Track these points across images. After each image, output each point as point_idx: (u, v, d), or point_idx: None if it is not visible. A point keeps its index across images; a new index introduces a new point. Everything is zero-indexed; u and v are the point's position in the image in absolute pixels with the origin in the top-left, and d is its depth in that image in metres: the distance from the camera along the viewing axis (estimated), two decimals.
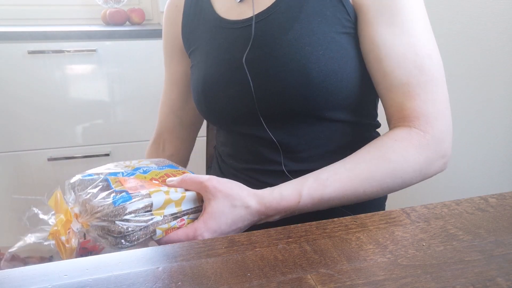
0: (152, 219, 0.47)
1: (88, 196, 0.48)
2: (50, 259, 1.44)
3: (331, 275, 0.37)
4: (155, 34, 1.46)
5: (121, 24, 1.70)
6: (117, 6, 1.72)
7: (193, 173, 0.57)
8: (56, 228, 0.47)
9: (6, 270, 0.39)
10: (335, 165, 0.55)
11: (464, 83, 1.21)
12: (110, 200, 0.46)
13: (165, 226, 0.49)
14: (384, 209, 0.72)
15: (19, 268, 0.39)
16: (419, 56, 0.55)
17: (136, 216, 0.46)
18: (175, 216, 0.50)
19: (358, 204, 0.56)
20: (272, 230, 0.45)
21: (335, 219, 0.47)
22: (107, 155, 1.52)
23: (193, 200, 0.52)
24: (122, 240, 0.45)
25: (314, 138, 0.62)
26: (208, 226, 0.49)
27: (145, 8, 1.83)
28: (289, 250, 0.41)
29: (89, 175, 0.54)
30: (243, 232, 0.46)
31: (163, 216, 0.49)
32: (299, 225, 0.46)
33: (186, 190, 0.52)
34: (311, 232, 0.44)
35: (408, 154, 0.54)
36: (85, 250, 1.54)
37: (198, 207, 0.52)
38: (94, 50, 1.41)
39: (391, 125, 0.60)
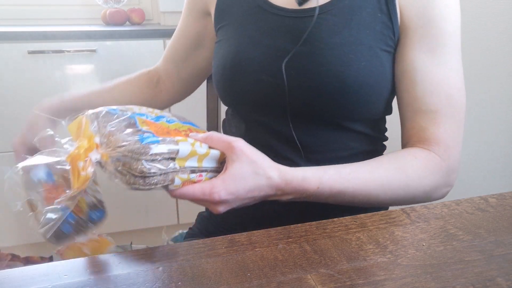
0: (174, 166, 0.45)
1: (113, 128, 0.46)
2: (50, 259, 1.43)
3: (331, 275, 0.37)
4: (155, 34, 1.46)
5: (121, 24, 1.70)
6: (117, 6, 1.72)
7: None
8: (77, 151, 0.44)
9: (6, 270, 0.39)
10: (356, 165, 0.56)
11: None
12: (136, 138, 0.44)
13: (185, 176, 0.47)
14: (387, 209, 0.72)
15: (19, 268, 0.39)
16: (451, 88, 0.58)
17: (159, 160, 0.44)
18: (193, 170, 0.48)
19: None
20: (272, 230, 0.45)
21: (335, 219, 0.47)
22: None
23: (215, 159, 0.50)
24: (141, 181, 0.43)
25: (330, 142, 0.62)
26: (226, 186, 0.48)
27: (145, 8, 1.83)
28: (289, 250, 0.41)
29: (114, 109, 0.51)
30: (244, 232, 0.46)
31: (184, 168, 0.47)
32: (299, 225, 0.46)
33: (210, 148, 0.50)
34: (311, 232, 0.44)
35: (424, 174, 0.56)
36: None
37: (218, 168, 0.51)
38: (94, 50, 1.41)
39: (409, 144, 0.61)
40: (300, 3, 0.60)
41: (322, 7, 0.59)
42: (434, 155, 0.58)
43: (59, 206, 0.44)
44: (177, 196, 0.48)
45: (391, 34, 0.59)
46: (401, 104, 0.62)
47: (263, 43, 0.61)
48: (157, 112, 0.57)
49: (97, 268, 0.39)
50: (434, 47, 0.58)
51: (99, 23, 1.74)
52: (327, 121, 0.61)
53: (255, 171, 0.49)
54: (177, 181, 0.46)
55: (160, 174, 0.44)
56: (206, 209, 0.77)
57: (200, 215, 0.78)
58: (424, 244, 0.42)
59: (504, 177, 1.24)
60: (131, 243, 1.68)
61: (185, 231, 0.79)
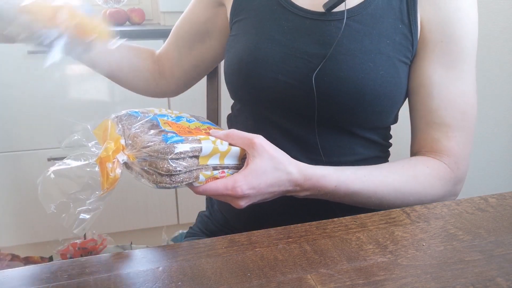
0: (198, 164, 0.47)
1: (137, 130, 0.48)
2: (50, 259, 1.43)
3: (331, 275, 0.37)
4: (155, 34, 1.46)
5: (121, 24, 1.70)
6: (117, 6, 1.72)
7: None
8: (105, 153, 0.46)
9: (6, 270, 0.39)
10: (371, 168, 0.57)
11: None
12: (160, 138, 0.46)
13: (208, 173, 0.49)
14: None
15: (19, 268, 0.39)
16: (466, 104, 0.59)
17: (184, 158, 0.46)
18: (216, 167, 0.50)
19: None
20: (272, 230, 0.45)
21: (335, 219, 0.47)
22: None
23: (236, 156, 0.52)
24: (167, 179, 0.45)
25: (338, 147, 0.62)
26: (248, 181, 0.49)
27: (145, 8, 1.82)
28: (289, 250, 0.41)
29: (136, 112, 0.54)
30: (244, 232, 0.46)
31: (207, 165, 0.49)
32: (299, 225, 0.46)
33: (230, 145, 0.51)
34: (311, 232, 0.44)
35: (434, 183, 0.58)
36: (85, 250, 1.53)
37: (239, 165, 0.52)
38: None
39: (420, 153, 0.62)
40: (328, 10, 0.59)
41: (346, 12, 0.59)
42: (445, 166, 0.59)
43: (90, 207, 0.47)
44: (200, 193, 0.49)
45: (410, 46, 0.59)
46: (415, 116, 0.63)
47: (282, 43, 0.60)
48: (176, 113, 0.58)
49: (97, 268, 0.39)
50: (453, 63, 0.59)
51: None
52: (339, 126, 0.61)
53: (275, 167, 0.50)
54: (201, 178, 0.48)
55: (185, 172, 0.46)
56: (207, 208, 0.77)
57: (200, 214, 0.78)
58: (424, 244, 0.42)
59: (504, 177, 1.24)
60: (131, 243, 1.68)
61: (185, 231, 0.79)
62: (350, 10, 0.59)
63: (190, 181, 0.47)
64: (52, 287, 0.37)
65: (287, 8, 0.62)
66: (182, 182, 0.46)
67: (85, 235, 1.44)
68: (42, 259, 1.46)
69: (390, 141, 0.70)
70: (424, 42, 0.59)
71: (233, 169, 0.52)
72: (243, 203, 0.50)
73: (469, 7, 0.58)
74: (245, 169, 0.50)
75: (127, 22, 1.73)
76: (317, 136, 0.61)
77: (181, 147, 0.45)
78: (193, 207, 1.64)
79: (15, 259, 1.43)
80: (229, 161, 0.51)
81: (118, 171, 0.46)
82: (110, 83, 1.51)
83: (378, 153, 0.66)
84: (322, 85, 0.58)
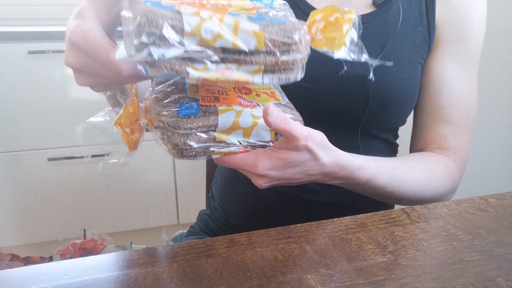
0: (214, 139, 0.42)
1: (158, 94, 0.44)
2: (50, 259, 1.43)
3: (331, 275, 0.37)
4: None
5: (121, 24, 1.69)
6: None
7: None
8: (121, 120, 0.45)
9: (6, 270, 0.39)
10: (395, 161, 0.56)
11: None
12: (175, 109, 0.42)
13: (224, 150, 0.44)
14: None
15: (19, 268, 0.39)
16: (471, 102, 0.60)
17: (197, 132, 0.42)
18: (234, 143, 0.44)
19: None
20: (272, 230, 0.45)
21: (335, 219, 0.47)
22: (107, 155, 1.52)
23: (264, 132, 0.44)
24: (179, 153, 0.42)
25: (352, 148, 0.62)
26: (273, 163, 0.43)
27: None
28: (289, 250, 0.41)
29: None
30: (244, 232, 0.46)
31: (226, 142, 0.43)
32: (299, 225, 0.46)
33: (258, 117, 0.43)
34: (311, 232, 0.44)
35: (447, 180, 0.59)
36: (85, 250, 1.53)
37: (268, 145, 0.45)
38: None
39: (427, 150, 0.63)
40: (378, 5, 0.58)
41: (368, 15, 0.59)
42: (453, 163, 0.60)
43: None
44: (220, 163, 0.45)
45: (427, 48, 0.60)
46: (421, 112, 0.63)
47: None
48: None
49: (97, 268, 0.39)
50: (463, 62, 0.59)
51: None
52: (360, 129, 0.60)
53: (311, 158, 0.45)
54: (216, 155, 0.43)
55: (198, 147, 0.42)
56: (208, 207, 0.77)
57: (201, 213, 0.78)
58: (424, 244, 0.42)
59: (504, 177, 1.24)
60: (131, 243, 1.68)
61: (185, 231, 0.79)
62: (372, 14, 0.59)
63: (206, 155, 0.43)
64: (52, 287, 0.37)
65: (306, 12, 0.60)
66: (195, 156, 0.42)
67: (85, 235, 1.44)
68: (42, 259, 1.47)
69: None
70: (438, 41, 0.60)
71: (260, 147, 0.45)
72: (262, 182, 0.45)
73: (481, 8, 0.59)
74: (274, 151, 0.44)
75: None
76: (328, 135, 0.61)
77: (192, 122, 0.41)
78: (193, 207, 1.64)
79: (15, 259, 1.43)
80: (257, 137, 0.44)
81: (138, 134, 0.44)
82: None
83: (391, 153, 0.67)
84: (347, 89, 0.57)
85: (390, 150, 0.67)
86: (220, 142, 0.43)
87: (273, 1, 0.44)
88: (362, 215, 0.48)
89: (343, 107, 0.58)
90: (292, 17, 0.43)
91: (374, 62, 0.52)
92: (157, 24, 0.34)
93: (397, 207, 0.54)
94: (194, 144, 0.42)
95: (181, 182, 1.59)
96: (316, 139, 0.44)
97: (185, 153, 0.42)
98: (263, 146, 0.45)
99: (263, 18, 0.40)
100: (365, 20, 0.58)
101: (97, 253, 1.43)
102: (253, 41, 0.37)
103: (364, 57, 0.42)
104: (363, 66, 0.56)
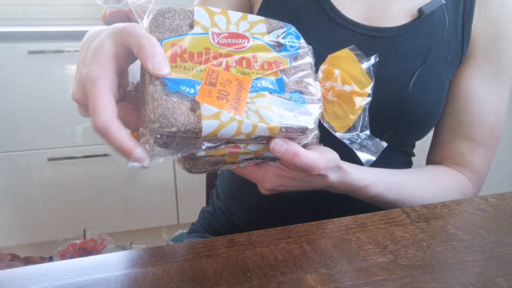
0: (224, 162, 0.40)
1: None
2: (50, 259, 1.43)
3: (331, 275, 0.37)
4: None
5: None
6: (117, 6, 1.72)
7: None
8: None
9: (6, 270, 0.39)
10: (407, 175, 0.55)
11: None
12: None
13: (234, 167, 0.42)
14: None
15: (19, 268, 0.39)
16: (496, 122, 0.58)
17: (205, 157, 0.39)
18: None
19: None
20: (272, 230, 0.45)
21: (335, 219, 0.47)
22: (107, 155, 1.52)
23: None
24: (184, 169, 0.40)
25: (377, 163, 0.62)
26: (280, 182, 0.43)
27: None
28: (289, 250, 0.41)
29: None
30: (244, 232, 0.46)
31: (235, 162, 0.41)
32: (299, 225, 0.46)
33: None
34: (311, 232, 0.44)
35: (455, 196, 0.58)
36: (85, 251, 1.53)
37: (276, 158, 0.42)
38: None
39: (443, 163, 0.61)
40: (422, 13, 0.55)
41: (399, 28, 0.55)
42: (468, 181, 0.59)
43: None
44: (225, 169, 0.44)
45: (457, 63, 0.57)
46: (442, 126, 0.61)
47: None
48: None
49: (97, 268, 0.39)
50: (494, 77, 0.57)
51: (99, 23, 1.74)
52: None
53: (320, 178, 0.44)
54: (201, 153, 0.39)
55: (207, 169, 0.41)
56: (210, 204, 0.77)
57: (203, 210, 0.77)
58: (424, 244, 0.42)
59: (504, 177, 1.24)
60: (131, 243, 1.68)
61: (185, 231, 0.79)
62: (403, 27, 0.55)
63: (215, 170, 0.41)
64: (52, 287, 0.37)
65: (335, 20, 0.56)
66: (204, 172, 0.41)
67: (84, 235, 1.44)
68: (42, 259, 1.47)
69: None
70: (468, 55, 0.57)
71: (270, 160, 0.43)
72: (266, 193, 0.45)
73: None
74: (284, 171, 0.42)
75: (127, 22, 1.73)
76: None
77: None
78: (193, 207, 1.64)
79: (15, 259, 1.43)
80: (255, 147, 0.40)
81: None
82: None
83: (407, 164, 0.66)
84: (379, 106, 0.53)
85: (407, 161, 0.66)
86: (230, 163, 0.42)
87: (298, 48, 0.43)
88: (362, 215, 0.48)
89: (371, 124, 0.57)
90: (312, 78, 0.42)
91: (418, 71, 0.52)
92: (173, 124, 0.34)
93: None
94: (203, 169, 0.41)
95: (181, 182, 1.59)
96: (329, 166, 0.42)
97: (194, 171, 0.41)
98: (272, 159, 0.43)
99: (284, 88, 0.39)
100: (408, 30, 0.55)
101: (97, 253, 1.43)
102: (267, 133, 0.37)
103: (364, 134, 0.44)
104: (397, 84, 0.54)
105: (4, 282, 0.37)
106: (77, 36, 1.40)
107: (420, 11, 0.55)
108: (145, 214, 1.61)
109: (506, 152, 1.24)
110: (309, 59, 0.43)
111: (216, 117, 0.35)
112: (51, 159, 1.46)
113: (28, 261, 1.45)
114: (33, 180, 1.47)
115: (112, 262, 0.40)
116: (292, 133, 0.38)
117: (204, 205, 0.83)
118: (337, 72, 0.43)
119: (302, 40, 0.44)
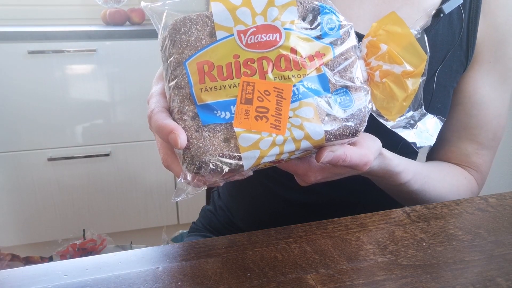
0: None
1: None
2: (50, 259, 1.43)
3: (331, 275, 0.37)
4: (155, 34, 1.46)
5: (121, 24, 1.70)
6: (117, 6, 1.72)
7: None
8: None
9: (6, 270, 0.39)
10: (428, 169, 0.56)
11: None
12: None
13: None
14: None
15: (19, 268, 0.39)
16: (499, 125, 0.60)
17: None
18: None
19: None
20: (272, 230, 0.45)
21: (335, 219, 0.47)
22: (107, 155, 1.52)
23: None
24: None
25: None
26: (324, 175, 0.42)
27: None
28: (289, 250, 0.41)
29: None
30: (244, 232, 0.46)
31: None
32: (299, 225, 0.46)
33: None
34: (311, 232, 0.44)
35: (465, 194, 0.59)
36: (84, 251, 1.54)
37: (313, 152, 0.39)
38: (94, 50, 1.41)
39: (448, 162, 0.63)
40: (442, 13, 0.55)
41: (434, 23, 0.55)
42: (474, 180, 0.61)
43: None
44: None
45: (462, 71, 0.57)
46: (447, 129, 0.62)
47: None
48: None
49: (97, 268, 0.39)
50: (498, 83, 0.58)
51: (99, 23, 1.74)
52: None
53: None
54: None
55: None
56: (211, 203, 0.76)
57: (204, 209, 0.77)
58: (424, 244, 0.42)
59: (504, 177, 1.24)
60: (131, 243, 1.68)
61: (185, 231, 0.79)
62: (437, 21, 0.55)
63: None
64: (52, 287, 0.37)
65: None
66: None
67: (84, 235, 1.44)
68: (42, 259, 1.47)
69: None
70: (473, 62, 0.57)
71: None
72: (307, 185, 0.44)
73: None
74: (326, 165, 0.41)
75: (127, 22, 1.73)
76: None
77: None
78: (193, 207, 1.64)
79: (15, 259, 1.43)
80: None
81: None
82: (110, 83, 1.51)
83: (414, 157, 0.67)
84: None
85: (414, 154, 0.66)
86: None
87: (339, 28, 0.37)
88: (362, 215, 0.48)
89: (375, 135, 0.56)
90: (357, 66, 0.38)
91: (437, 69, 0.52)
92: (207, 164, 0.33)
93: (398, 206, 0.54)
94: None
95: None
96: (375, 157, 0.42)
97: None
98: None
99: (327, 87, 0.35)
100: (431, 29, 0.55)
101: (97, 253, 1.43)
102: (312, 148, 0.35)
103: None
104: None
105: (4, 282, 0.37)
106: (77, 36, 1.41)
107: (441, 9, 0.55)
108: (145, 214, 1.62)
109: (506, 152, 1.24)
110: (353, 41, 0.38)
111: (256, 147, 0.32)
112: (51, 159, 1.46)
113: (28, 261, 1.45)
114: (33, 180, 1.48)
115: (112, 262, 0.40)
116: (341, 140, 0.36)
117: (204, 204, 0.83)
118: (384, 47, 0.37)
119: (342, 17, 0.38)
